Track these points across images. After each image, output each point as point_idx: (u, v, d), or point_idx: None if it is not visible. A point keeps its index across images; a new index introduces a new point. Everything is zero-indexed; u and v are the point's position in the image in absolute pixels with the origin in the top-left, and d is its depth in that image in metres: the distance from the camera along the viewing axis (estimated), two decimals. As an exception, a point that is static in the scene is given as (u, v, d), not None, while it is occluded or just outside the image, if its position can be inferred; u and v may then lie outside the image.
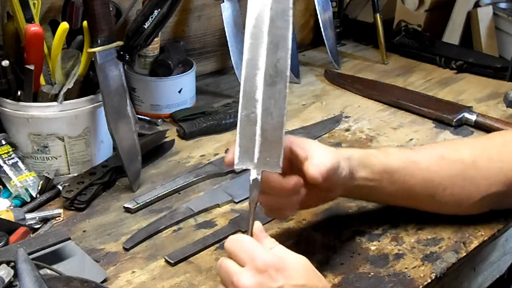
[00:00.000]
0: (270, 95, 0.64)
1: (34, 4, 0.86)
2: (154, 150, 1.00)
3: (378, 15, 1.40)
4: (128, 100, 0.90)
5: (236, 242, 0.61)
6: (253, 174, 0.64)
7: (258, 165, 0.64)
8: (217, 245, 0.78)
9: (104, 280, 0.71)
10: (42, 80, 0.88)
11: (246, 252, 0.60)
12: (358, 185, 0.74)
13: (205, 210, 0.85)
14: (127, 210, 0.85)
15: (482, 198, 0.77)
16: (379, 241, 0.79)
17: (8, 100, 0.87)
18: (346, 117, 1.16)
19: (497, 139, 0.83)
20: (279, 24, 0.65)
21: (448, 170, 0.76)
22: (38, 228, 0.80)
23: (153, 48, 1.12)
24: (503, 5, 1.47)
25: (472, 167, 0.77)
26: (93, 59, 0.87)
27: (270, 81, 0.64)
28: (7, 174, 0.85)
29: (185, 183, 0.91)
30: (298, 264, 0.61)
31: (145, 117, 1.12)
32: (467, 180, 0.76)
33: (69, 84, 0.86)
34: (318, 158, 0.67)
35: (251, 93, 0.64)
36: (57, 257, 0.72)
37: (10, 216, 0.78)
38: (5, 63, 0.83)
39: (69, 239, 0.74)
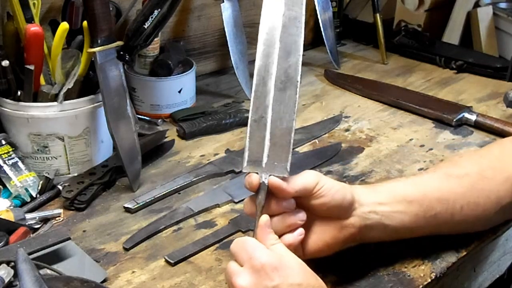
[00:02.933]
0: (280, 100, 0.65)
1: (34, 4, 0.86)
2: (154, 150, 1.00)
3: (378, 15, 1.40)
4: (128, 100, 0.90)
5: (238, 243, 0.62)
6: (261, 178, 0.65)
7: (266, 169, 0.65)
8: (217, 245, 0.78)
9: (104, 280, 0.71)
10: (42, 80, 0.88)
11: (246, 252, 0.60)
12: (375, 211, 0.69)
13: (205, 210, 0.86)
14: (127, 210, 0.85)
15: (496, 211, 0.75)
16: (379, 241, 0.79)
17: (8, 100, 0.87)
18: (346, 117, 1.16)
19: (495, 149, 0.82)
20: (291, 31, 0.67)
21: (458, 187, 0.74)
22: (38, 228, 0.80)
23: (153, 48, 1.12)
24: (503, 5, 1.47)
25: (480, 180, 0.75)
26: (93, 59, 0.87)
27: (281, 86, 0.66)
28: (7, 174, 0.85)
29: (185, 183, 0.91)
30: (295, 263, 0.61)
31: (145, 117, 1.12)
32: (480, 194, 0.74)
33: (69, 84, 0.86)
34: (295, 176, 0.66)
35: (262, 98, 0.66)
36: (57, 257, 0.72)
37: (10, 216, 0.78)
38: (5, 63, 0.84)
39: (69, 239, 0.74)
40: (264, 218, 0.63)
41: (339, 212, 0.68)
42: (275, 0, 0.67)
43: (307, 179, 0.66)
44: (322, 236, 0.69)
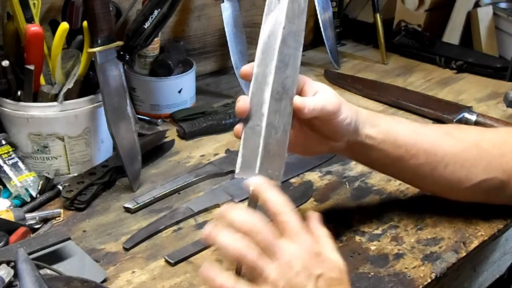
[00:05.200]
0: (275, 110, 0.66)
1: (34, 4, 0.86)
2: (154, 150, 0.99)
3: (378, 15, 1.40)
4: (128, 100, 0.90)
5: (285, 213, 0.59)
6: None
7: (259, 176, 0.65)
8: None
9: (104, 280, 0.71)
10: (42, 80, 0.88)
11: (296, 230, 0.57)
12: (362, 142, 0.73)
13: (205, 210, 0.85)
14: (127, 210, 0.85)
15: (480, 182, 0.76)
16: (379, 241, 0.79)
17: (8, 100, 0.87)
18: (346, 117, 1.16)
19: (502, 130, 0.86)
20: (290, 43, 0.67)
21: (452, 147, 0.77)
22: (38, 228, 0.80)
23: (153, 48, 1.12)
24: (503, 5, 1.47)
25: (474, 148, 0.77)
26: (93, 59, 0.87)
27: (277, 97, 0.66)
28: (7, 174, 0.85)
29: (185, 183, 0.91)
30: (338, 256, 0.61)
31: (145, 117, 1.12)
32: (469, 160, 0.76)
33: (69, 84, 0.86)
34: (317, 96, 0.68)
35: (257, 106, 0.66)
36: (57, 257, 0.72)
37: (10, 216, 0.78)
38: (5, 63, 0.83)
39: (69, 239, 0.74)
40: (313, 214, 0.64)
41: (333, 136, 0.71)
42: (276, 13, 0.68)
43: (327, 105, 0.68)
44: (308, 142, 0.72)
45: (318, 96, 0.68)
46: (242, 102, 0.65)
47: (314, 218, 0.63)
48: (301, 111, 0.66)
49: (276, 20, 0.67)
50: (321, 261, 0.57)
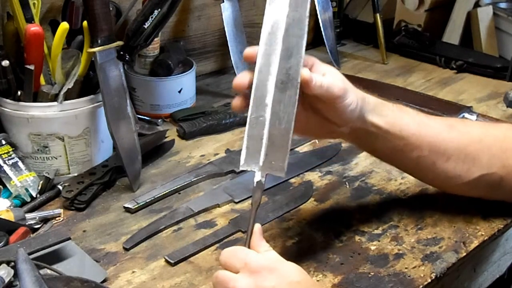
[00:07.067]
0: (279, 100, 0.65)
1: (34, 4, 0.86)
2: (154, 150, 0.99)
3: (378, 15, 1.40)
4: (128, 100, 0.90)
5: (229, 252, 0.62)
6: (258, 176, 0.65)
7: (263, 168, 0.65)
8: (217, 245, 0.78)
9: (104, 280, 0.71)
10: (42, 80, 0.88)
11: (239, 259, 0.60)
12: (366, 129, 0.73)
13: (205, 210, 0.85)
14: (127, 210, 0.85)
15: (480, 176, 0.77)
16: (379, 241, 0.79)
17: (8, 100, 0.87)
18: (346, 117, 1.16)
19: (504, 125, 0.86)
20: (294, 32, 0.67)
21: (455, 140, 0.77)
22: (38, 228, 0.80)
23: (153, 48, 1.12)
24: (503, 5, 1.47)
25: (477, 143, 0.78)
26: (93, 59, 0.87)
27: (281, 86, 0.65)
28: (7, 174, 0.85)
29: (185, 183, 0.91)
30: (291, 265, 0.61)
31: (145, 117, 1.12)
32: (470, 155, 0.77)
33: (69, 84, 0.86)
34: (325, 77, 0.67)
35: (261, 97, 0.66)
36: (57, 257, 0.72)
37: (10, 216, 0.78)
38: (5, 63, 0.83)
39: (69, 239, 0.74)
40: (257, 226, 0.64)
41: (337, 121, 0.71)
42: (280, 1, 0.67)
43: (333, 87, 0.67)
44: (312, 125, 0.72)
45: (326, 77, 0.68)
46: (241, 76, 0.66)
47: (257, 234, 0.64)
48: (308, 84, 0.65)
49: (279, 8, 0.67)
50: (274, 274, 0.59)
